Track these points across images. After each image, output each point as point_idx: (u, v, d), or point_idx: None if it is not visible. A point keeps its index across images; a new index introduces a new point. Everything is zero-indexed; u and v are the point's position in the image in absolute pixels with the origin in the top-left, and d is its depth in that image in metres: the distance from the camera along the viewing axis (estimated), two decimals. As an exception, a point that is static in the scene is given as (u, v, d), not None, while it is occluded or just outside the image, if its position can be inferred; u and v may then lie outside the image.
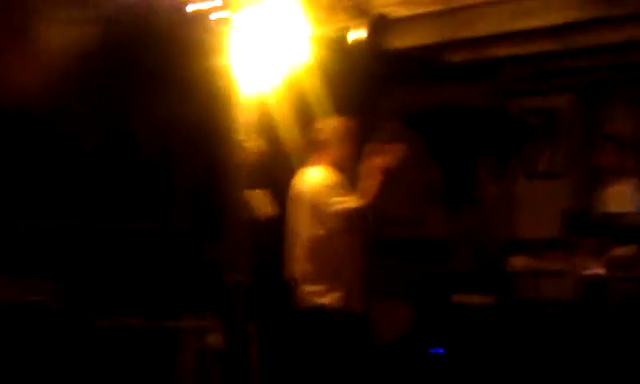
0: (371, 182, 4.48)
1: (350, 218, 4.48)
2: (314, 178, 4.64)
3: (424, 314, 6.66)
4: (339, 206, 4.46)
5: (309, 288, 4.62)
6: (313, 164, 4.73)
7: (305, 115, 5.33)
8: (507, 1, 4.94)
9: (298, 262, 4.68)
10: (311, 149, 4.81)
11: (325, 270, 4.58)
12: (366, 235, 4.76)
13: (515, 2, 5.05)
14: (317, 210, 4.55)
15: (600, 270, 5.32)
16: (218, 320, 5.47)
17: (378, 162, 4.48)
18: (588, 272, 5.42)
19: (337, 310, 4.54)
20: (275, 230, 5.05)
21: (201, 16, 4.63)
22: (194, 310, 5.82)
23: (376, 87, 7.42)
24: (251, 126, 4.99)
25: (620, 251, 5.40)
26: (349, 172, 4.74)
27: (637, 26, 5.32)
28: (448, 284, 7.09)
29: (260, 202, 5.05)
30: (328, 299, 4.55)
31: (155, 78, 5.89)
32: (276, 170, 5.46)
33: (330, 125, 4.74)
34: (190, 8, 4.57)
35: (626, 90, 7.40)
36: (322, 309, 4.56)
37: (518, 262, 6.44)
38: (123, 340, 5.53)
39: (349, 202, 4.47)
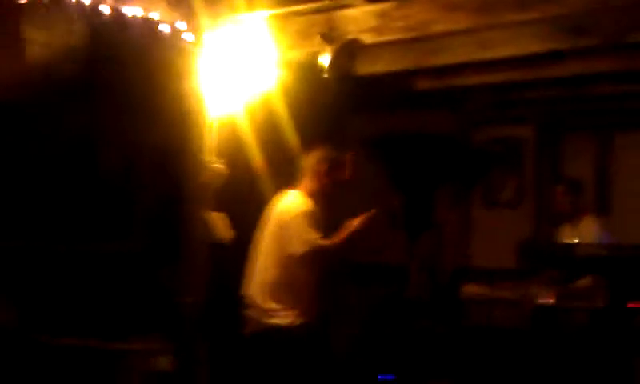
0: (346, 231, 4.55)
1: (315, 252, 4.50)
2: (291, 203, 4.67)
3: (377, 339, 6.66)
4: (308, 238, 4.47)
5: (264, 307, 4.60)
6: (293, 189, 4.73)
7: (271, 139, 5.34)
8: (473, 31, 4.97)
9: (258, 281, 4.68)
10: (296, 175, 4.83)
11: (283, 290, 4.59)
12: (329, 264, 4.79)
13: (481, 33, 5.09)
14: (287, 233, 4.56)
15: (552, 300, 5.37)
16: (168, 342, 5.42)
17: (357, 223, 4.56)
18: (540, 302, 5.47)
19: (291, 330, 4.54)
20: (232, 253, 5.03)
21: (171, 37, 4.60)
22: (145, 331, 5.76)
23: (343, 112, 7.45)
24: (215, 148, 4.98)
25: (572, 282, 5.46)
26: (326, 204, 4.77)
27: (599, 59, 5.42)
28: (404, 310, 7.11)
29: (219, 224, 5.03)
30: (282, 320, 4.56)
31: (122, 97, 5.85)
32: (237, 194, 5.44)
33: (316, 155, 4.81)
34: (160, 29, 4.54)
35: (587, 122, 7.52)
36: (276, 329, 4.57)
37: (472, 289, 6.48)
38: (69, 360, 5.45)
39: (318, 238, 4.51)
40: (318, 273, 4.67)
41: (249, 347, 4.74)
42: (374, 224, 4.64)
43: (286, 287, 4.59)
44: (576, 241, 5.67)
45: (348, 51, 4.75)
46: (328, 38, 4.71)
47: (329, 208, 4.85)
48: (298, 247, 4.50)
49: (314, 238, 4.50)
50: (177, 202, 5.19)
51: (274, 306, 4.59)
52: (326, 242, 4.53)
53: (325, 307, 4.91)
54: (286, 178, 5.27)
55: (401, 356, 6.53)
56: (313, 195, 4.71)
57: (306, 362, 4.58)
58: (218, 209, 5.05)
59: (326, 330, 5.00)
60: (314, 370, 4.63)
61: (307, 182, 4.76)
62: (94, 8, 4.38)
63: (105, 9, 4.37)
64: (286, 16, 4.88)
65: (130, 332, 5.73)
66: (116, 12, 4.43)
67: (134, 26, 4.49)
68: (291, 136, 5.42)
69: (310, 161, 4.80)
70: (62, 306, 5.71)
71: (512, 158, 7.81)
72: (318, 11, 4.77)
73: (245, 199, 5.91)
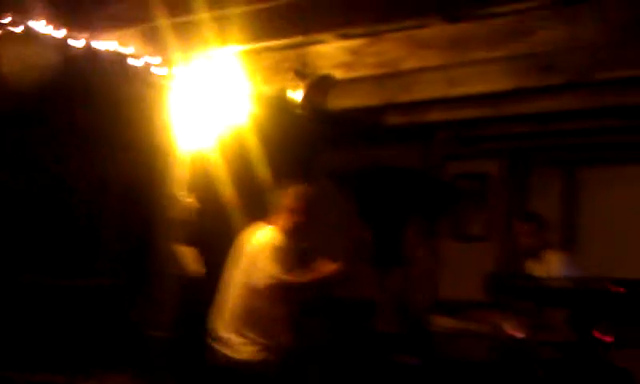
0: (315, 274, 4.58)
1: (278, 286, 4.50)
2: (263, 237, 4.64)
3: (348, 374, 6.64)
4: (273, 272, 4.47)
5: (226, 339, 4.58)
6: (267, 224, 4.73)
7: (243, 173, 5.35)
8: (443, 68, 5.04)
9: (223, 314, 4.65)
10: (268, 209, 4.82)
11: (247, 323, 4.55)
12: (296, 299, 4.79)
13: (451, 70, 5.15)
14: (253, 266, 4.55)
15: (519, 333, 5.39)
16: (137, 377, 5.37)
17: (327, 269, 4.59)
18: (508, 334, 5.49)
19: (248, 365, 4.52)
20: (201, 287, 5.01)
21: (142, 71, 4.62)
22: (114, 366, 5.70)
23: (314, 147, 7.48)
24: (186, 182, 4.98)
25: (540, 315, 5.49)
26: (300, 240, 4.77)
27: (566, 96, 5.49)
28: (374, 344, 7.10)
29: (189, 258, 5.01)
30: (241, 354, 4.53)
31: (92, 130, 5.83)
32: (207, 228, 5.43)
33: (293, 192, 4.77)
34: (132, 63, 4.55)
35: (553, 158, 7.63)
36: (234, 362, 4.53)
37: (442, 322, 6.49)
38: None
39: (283, 273, 4.49)
40: (285, 308, 4.65)
41: (212, 380, 4.69)
42: (341, 276, 4.64)
43: (249, 320, 4.55)
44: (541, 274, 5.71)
45: (320, 86, 4.79)
46: (300, 73, 4.75)
47: (300, 240, 4.85)
48: (261, 280, 4.48)
49: (278, 272, 4.47)
50: (147, 236, 5.17)
51: (236, 338, 4.55)
52: (291, 278, 4.51)
53: (292, 342, 4.87)
54: (257, 211, 5.27)
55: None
56: (287, 231, 4.70)
57: None
58: (189, 243, 5.04)
59: (292, 366, 4.95)
60: None
61: (282, 218, 4.74)
62: (66, 41, 4.38)
63: (77, 42, 4.36)
64: (259, 51, 4.91)
65: (99, 367, 5.67)
66: (88, 45, 4.44)
67: (105, 60, 4.50)
68: (263, 170, 5.44)
69: (287, 198, 4.77)
70: (29, 341, 5.63)
71: (480, 192, 7.88)
72: (290, 47, 4.81)
73: (215, 233, 5.90)
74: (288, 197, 4.75)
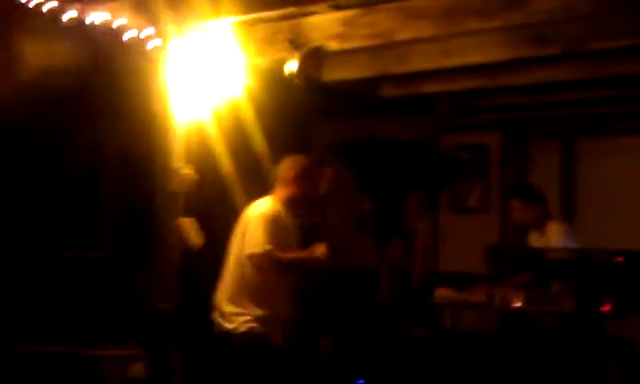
0: (306, 254, 4.57)
1: (264, 257, 4.46)
2: (258, 206, 4.63)
3: (349, 345, 6.67)
4: (260, 241, 4.44)
5: (223, 310, 4.58)
6: (269, 195, 4.73)
7: (239, 144, 5.35)
8: (438, 39, 5.03)
9: (223, 284, 4.66)
10: (265, 180, 4.83)
11: (241, 293, 4.55)
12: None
13: (445, 41, 5.15)
14: (245, 236, 4.55)
15: (520, 304, 5.40)
16: (142, 349, 5.40)
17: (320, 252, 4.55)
18: (508, 305, 5.50)
19: (234, 336, 4.51)
20: (203, 258, 5.03)
21: (137, 43, 4.61)
22: (118, 338, 5.75)
23: (310, 119, 7.48)
24: (184, 153, 4.98)
25: (541, 286, 5.50)
26: (303, 211, 4.76)
27: (562, 67, 5.49)
28: (376, 315, 7.12)
29: (190, 230, 5.02)
30: (230, 323, 4.52)
31: (89, 104, 5.84)
32: (206, 199, 5.45)
33: (287, 162, 4.76)
34: (126, 36, 4.54)
35: (551, 129, 7.62)
36: (225, 333, 4.53)
37: (443, 294, 6.50)
38: (45, 367, 5.42)
39: (269, 244, 4.45)
40: (280, 279, 4.62)
41: (211, 350, 4.71)
42: (329, 260, 4.61)
43: (244, 290, 4.54)
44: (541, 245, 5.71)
45: (314, 58, 4.77)
46: (294, 44, 4.73)
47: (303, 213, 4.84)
48: (250, 247, 4.46)
49: (262, 241, 4.43)
50: (147, 208, 5.19)
51: (230, 308, 4.55)
52: (279, 254, 4.47)
53: (293, 315, 4.87)
54: (254, 182, 5.28)
55: (372, 361, 6.54)
56: (284, 202, 4.70)
57: (247, 370, 4.52)
58: (188, 214, 5.05)
59: (292, 338, 4.94)
60: (273, 378, 4.59)
61: (279, 189, 4.74)
62: (59, 13, 4.36)
63: (70, 14, 4.35)
64: (252, 23, 4.90)
65: (103, 339, 5.71)
66: (80, 17, 4.42)
67: (98, 31, 4.49)
68: (259, 141, 5.45)
69: (284, 168, 4.76)
70: (35, 314, 5.68)
71: (478, 164, 7.88)
72: (283, 18, 4.79)
73: (214, 204, 5.93)
74: (285, 167, 4.75)
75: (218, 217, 5.95)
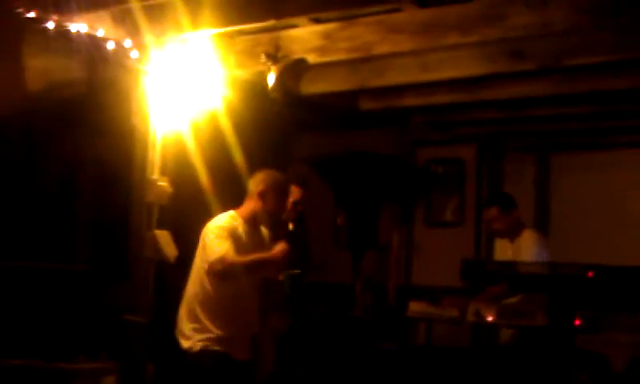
0: (262, 255, 4.48)
1: (221, 263, 4.34)
2: (215, 220, 4.53)
3: (321, 357, 6.66)
4: (216, 249, 4.34)
5: (180, 327, 4.48)
6: (233, 210, 4.65)
7: (217, 157, 5.34)
8: (416, 53, 5.06)
9: (183, 301, 4.55)
10: (241, 193, 4.76)
11: (199, 309, 4.43)
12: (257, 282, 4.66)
13: (424, 55, 5.18)
14: (203, 248, 4.46)
15: (491, 318, 5.42)
16: (115, 362, 5.36)
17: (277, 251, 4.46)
18: (481, 320, 5.52)
19: (199, 355, 4.39)
20: (178, 271, 4.99)
21: (116, 54, 4.59)
22: (90, 351, 5.69)
23: (289, 131, 7.48)
24: (160, 165, 4.97)
25: (512, 300, 5.53)
26: (268, 226, 4.70)
27: (537, 82, 5.54)
28: (349, 329, 7.13)
29: (165, 242, 4.99)
30: (185, 342, 4.42)
31: (64, 114, 5.80)
32: (181, 212, 5.42)
33: (263, 177, 4.64)
34: (108, 46, 4.52)
35: (526, 143, 7.68)
36: (184, 352, 4.42)
37: (416, 308, 6.51)
38: (15, 381, 5.35)
39: (228, 251, 4.34)
40: (241, 292, 4.51)
41: (179, 366, 4.62)
42: (287, 258, 4.52)
43: (202, 307, 4.43)
44: (511, 257, 5.73)
45: (293, 71, 4.78)
46: (273, 57, 4.74)
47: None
48: (207, 258, 4.36)
49: (219, 250, 4.32)
50: (122, 220, 5.16)
51: (188, 326, 4.44)
52: (235, 257, 4.34)
53: (256, 332, 4.80)
54: (231, 195, 5.27)
55: (345, 374, 6.53)
56: (246, 217, 4.59)
57: None
58: (163, 226, 5.03)
59: (254, 355, 4.83)
60: None
61: (246, 202, 4.65)
62: (37, 22, 4.34)
63: (48, 24, 4.33)
64: (232, 35, 4.91)
65: (76, 352, 5.65)
66: (59, 27, 4.40)
67: (77, 42, 4.47)
68: (237, 154, 5.44)
69: (252, 181, 4.66)
70: (6, 326, 5.61)
71: (453, 177, 7.91)
72: (263, 31, 4.81)
73: (189, 217, 5.89)
74: (254, 181, 4.64)
75: (194, 229, 5.93)
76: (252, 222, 4.60)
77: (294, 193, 5.25)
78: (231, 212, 4.61)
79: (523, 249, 5.68)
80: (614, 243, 6.87)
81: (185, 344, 4.42)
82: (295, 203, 5.25)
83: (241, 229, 4.53)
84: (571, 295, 5.12)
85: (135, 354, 4.86)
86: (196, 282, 4.49)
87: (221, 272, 4.35)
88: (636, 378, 5.20)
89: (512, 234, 5.77)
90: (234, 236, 4.44)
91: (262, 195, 4.58)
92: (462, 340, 6.64)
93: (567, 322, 5.12)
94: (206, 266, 4.38)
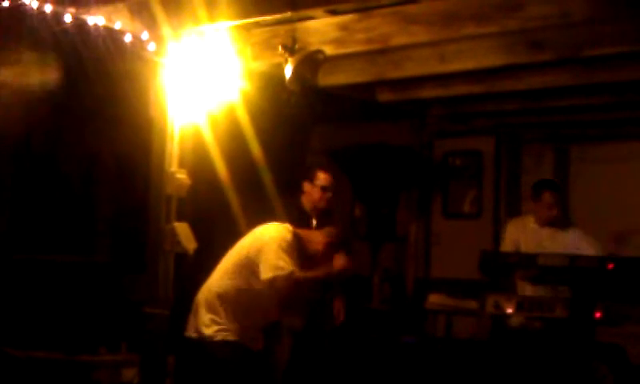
0: (326, 270, 4.41)
1: (283, 279, 4.25)
2: (275, 227, 4.43)
3: (339, 350, 6.66)
4: (279, 264, 4.23)
5: (201, 314, 4.40)
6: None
7: (234, 149, 5.35)
8: (434, 44, 5.04)
9: (207, 287, 4.45)
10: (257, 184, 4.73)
11: (228, 304, 4.35)
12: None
13: (441, 46, 5.15)
14: (259, 254, 4.31)
15: (511, 310, 5.40)
16: (135, 354, 5.38)
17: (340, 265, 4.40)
18: (500, 311, 5.50)
19: (219, 344, 4.32)
20: (196, 263, 4.99)
21: (133, 47, 4.60)
22: (111, 343, 5.73)
23: (306, 124, 7.49)
24: (178, 158, 4.97)
25: (530, 292, 5.51)
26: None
27: (556, 73, 5.51)
28: (367, 321, 7.13)
29: (183, 234, 5.00)
30: (208, 329, 4.34)
31: (83, 107, 5.83)
32: (199, 204, 5.43)
33: (327, 233, 4.53)
34: (126, 38, 4.53)
35: (545, 134, 7.64)
36: (201, 338, 4.36)
37: (435, 300, 6.51)
38: (37, 373, 5.40)
39: (291, 266, 4.25)
40: (263, 292, 4.39)
41: (185, 352, 4.59)
42: (349, 273, 4.47)
43: (225, 299, 4.36)
44: (551, 247, 5.66)
45: (310, 63, 4.76)
46: (289, 49, 4.73)
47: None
48: (267, 272, 4.23)
49: (286, 265, 4.23)
50: (141, 213, 5.17)
51: (207, 315, 4.36)
52: (299, 274, 4.25)
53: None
54: (248, 186, 5.28)
55: (364, 367, 6.54)
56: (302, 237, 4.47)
57: (238, 378, 4.37)
58: (181, 218, 5.04)
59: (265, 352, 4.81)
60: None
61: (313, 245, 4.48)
62: (55, 16, 4.35)
63: (67, 17, 4.34)
64: (249, 27, 4.91)
65: (96, 344, 5.69)
66: (78, 21, 4.42)
67: (95, 35, 4.48)
68: (254, 146, 5.45)
69: (322, 237, 4.49)
70: (28, 319, 5.66)
71: (471, 169, 7.90)
72: (280, 23, 4.80)
73: (207, 208, 5.91)
74: (322, 236, 4.48)
75: (212, 221, 5.95)
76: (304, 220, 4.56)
77: (322, 179, 5.21)
78: (282, 224, 4.48)
79: (582, 245, 5.58)
80: (634, 234, 6.84)
81: (206, 331, 4.40)
82: (324, 189, 5.21)
83: (295, 243, 4.41)
84: (591, 288, 5.10)
85: (155, 346, 4.87)
86: (226, 275, 4.47)
87: (285, 288, 4.28)
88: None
89: (561, 223, 5.71)
90: (292, 249, 4.34)
91: (325, 248, 4.45)
92: (479, 332, 6.63)
93: (587, 314, 5.10)
94: (266, 277, 4.24)
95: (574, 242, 5.59)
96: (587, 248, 5.49)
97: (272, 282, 4.25)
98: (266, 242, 4.34)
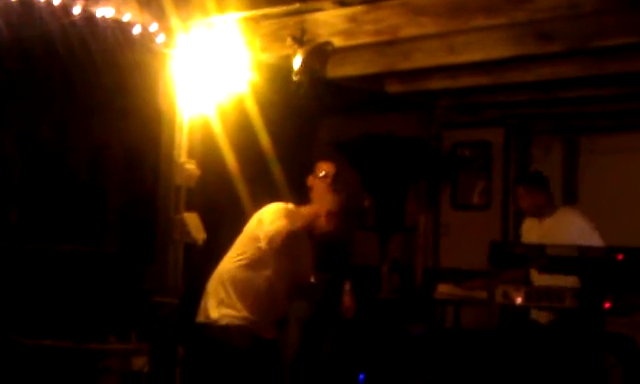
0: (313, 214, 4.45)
1: (282, 236, 4.30)
2: (274, 206, 4.50)
3: (350, 340, 6.68)
4: (277, 224, 4.30)
5: (212, 298, 4.46)
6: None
7: (243, 140, 5.37)
8: (443, 35, 5.03)
9: (219, 272, 4.53)
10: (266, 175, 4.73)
11: (238, 287, 4.41)
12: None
13: (450, 37, 5.14)
14: (260, 224, 4.44)
15: (521, 300, 5.41)
16: (144, 343, 5.41)
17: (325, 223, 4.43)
18: (509, 301, 5.51)
19: (225, 328, 4.38)
20: (206, 253, 5.01)
21: (142, 39, 4.61)
22: (121, 332, 5.76)
23: (315, 115, 7.49)
24: (188, 148, 4.99)
25: (539, 282, 5.52)
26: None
27: (566, 64, 5.49)
28: (377, 311, 7.14)
29: (193, 225, 5.02)
30: (219, 315, 4.39)
31: (93, 99, 5.85)
32: (208, 194, 5.45)
33: (338, 197, 4.55)
34: (135, 30, 4.54)
35: (554, 126, 7.63)
36: (208, 324, 4.41)
37: (444, 290, 6.51)
38: (47, 361, 5.44)
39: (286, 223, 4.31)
40: (272, 280, 4.47)
41: (195, 337, 4.63)
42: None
43: (235, 285, 4.42)
44: (537, 237, 5.68)
45: (319, 54, 4.76)
46: (299, 40, 4.73)
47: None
48: (267, 234, 4.30)
49: (284, 225, 4.29)
50: (151, 203, 5.20)
51: (216, 300, 4.43)
52: (291, 226, 4.31)
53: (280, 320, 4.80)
54: (257, 177, 5.29)
55: (372, 357, 6.56)
56: (311, 227, 4.50)
57: (248, 363, 4.41)
58: (190, 209, 5.06)
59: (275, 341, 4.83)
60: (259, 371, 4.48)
61: (315, 213, 4.52)
62: (64, 8, 4.36)
63: (75, 9, 4.35)
64: (258, 19, 4.90)
65: (106, 333, 5.72)
66: (87, 12, 4.43)
67: (104, 27, 4.49)
68: (263, 137, 5.46)
69: (330, 201, 4.51)
70: (39, 308, 5.69)
71: (481, 160, 7.89)
72: (289, 14, 4.80)
73: (217, 199, 5.94)
74: (332, 200, 4.51)
75: (222, 212, 5.97)
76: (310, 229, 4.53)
77: (324, 167, 5.19)
78: (290, 204, 4.55)
79: (557, 228, 5.63)
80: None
81: (212, 315, 4.42)
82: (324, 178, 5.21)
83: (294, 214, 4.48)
84: (600, 278, 5.10)
85: (165, 335, 4.90)
86: (235, 259, 4.49)
87: (279, 242, 4.30)
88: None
89: (539, 213, 5.74)
90: (292, 218, 4.40)
91: (334, 216, 4.49)
92: (489, 322, 6.64)
93: (596, 304, 5.10)
94: (267, 237, 4.31)
95: (550, 231, 5.62)
96: (564, 234, 5.51)
97: (270, 241, 4.28)
98: (266, 215, 4.43)
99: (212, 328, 4.42)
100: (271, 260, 4.42)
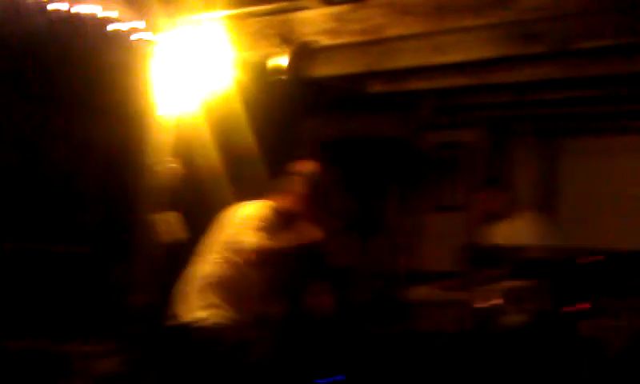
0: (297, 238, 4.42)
1: (263, 254, 4.29)
2: (252, 208, 4.46)
3: (324, 343, 6.67)
4: (254, 240, 4.27)
5: (189, 301, 4.42)
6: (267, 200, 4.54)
7: (227, 139, 5.35)
8: (427, 35, 5.03)
9: (193, 276, 4.48)
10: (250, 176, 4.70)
11: (215, 290, 4.38)
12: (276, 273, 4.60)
13: (434, 37, 5.14)
14: (237, 234, 4.45)
15: (494, 302, 5.44)
16: (119, 343, 5.38)
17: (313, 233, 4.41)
18: (482, 303, 5.54)
19: (205, 329, 4.35)
20: (184, 253, 4.98)
21: (122, 36, 4.59)
22: (94, 332, 5.72)
23: (299, 114, 7.48)
24: (168, 148, 4.97)
25: (512, 284, 5.55)
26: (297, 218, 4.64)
27: (548, 65, 5.52)
28: (351, 313, 7.14)
29: (171, 224, 4.99)
30: (199, 315, 4.36)
31: (75, 95, 5.80)
32: (191, 193, 5.43)
33: (305, 177, 4.58)
34: (115, 27, 4.52)
35: (535, 127, 7.67)
36: (188, 324, 4.38)
37: (416, 292, 6.54)
38: (16, 362, 5.38)
39: (264, 239, 4.28)
40: (263, 280, 4.49)
41: (171, 340, 4.60)
42: (323, 240, 4.48)
43: (219, 288, 4.38)
44: (500, 240, 5.72)
45: (304, 53, 4.77)
46: (285, 39, 4.73)
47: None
48: (245, 250, 4.28)
49: (261, 240, 4.26)
50: (130, 202, 5.17)
51: (196, 302, 4.38)
52: (272, 244, 4.27)
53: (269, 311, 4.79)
54: (241, 176, 5.27)
55: (351, 359, 6.55)
56: (284, 212, 4.50)
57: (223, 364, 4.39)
58: (173, 208, 5.04)
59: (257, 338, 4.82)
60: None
61: (285, 199, 4.54)
62: (46, 5, 4.34)
63: (60, 6, 4.33)
64: (243, 17, 4.90)
65: (78, 333, 5.67)
66: (70, 9, 4.40)
67: (88, 24, 4.47)
68: (247, 136, 5.44)
69: (297, 182, 4.55)
70: (11, 307, 5.63)
71: (462, 161, 7.92)
72: (274, 13, 4.79)
73: (199, 198, 5.91)
74: (298, 182, 4.56)
75: (205, 211, 5.94)
76: (287, 218, 4.50)
77: (306, 166, 5.16)
78: (264, 201, 4.50)
79: (521, 231, 5.66)
80: (623, 228, 6.88)
81: (196, 315, 4.37)
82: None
83: (273, 218, 4.44)
84: (575, 280, 5.14)
85: (142, 336, 4.88)
86: (216, 262, 4.44)
87: (261, 261, 4.30)
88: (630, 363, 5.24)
89: (499, 216, 5.77)
90: (269, 225, 4.36)
91: (306, 196, 4.53)
92: (464, 324, 6.65)
93: (569, 306, 5.15)
94: (243, 255, 4.29)
95: (509, 233, 5.67)
96: (522, 238, 5.56)
97: (251, 258, 4.25)
98: (242, 220, 4.37)
99: (192, 329, 4.39)
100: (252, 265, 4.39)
